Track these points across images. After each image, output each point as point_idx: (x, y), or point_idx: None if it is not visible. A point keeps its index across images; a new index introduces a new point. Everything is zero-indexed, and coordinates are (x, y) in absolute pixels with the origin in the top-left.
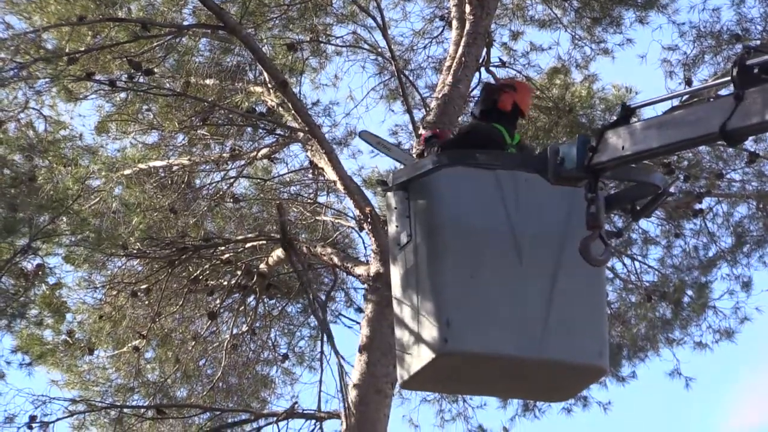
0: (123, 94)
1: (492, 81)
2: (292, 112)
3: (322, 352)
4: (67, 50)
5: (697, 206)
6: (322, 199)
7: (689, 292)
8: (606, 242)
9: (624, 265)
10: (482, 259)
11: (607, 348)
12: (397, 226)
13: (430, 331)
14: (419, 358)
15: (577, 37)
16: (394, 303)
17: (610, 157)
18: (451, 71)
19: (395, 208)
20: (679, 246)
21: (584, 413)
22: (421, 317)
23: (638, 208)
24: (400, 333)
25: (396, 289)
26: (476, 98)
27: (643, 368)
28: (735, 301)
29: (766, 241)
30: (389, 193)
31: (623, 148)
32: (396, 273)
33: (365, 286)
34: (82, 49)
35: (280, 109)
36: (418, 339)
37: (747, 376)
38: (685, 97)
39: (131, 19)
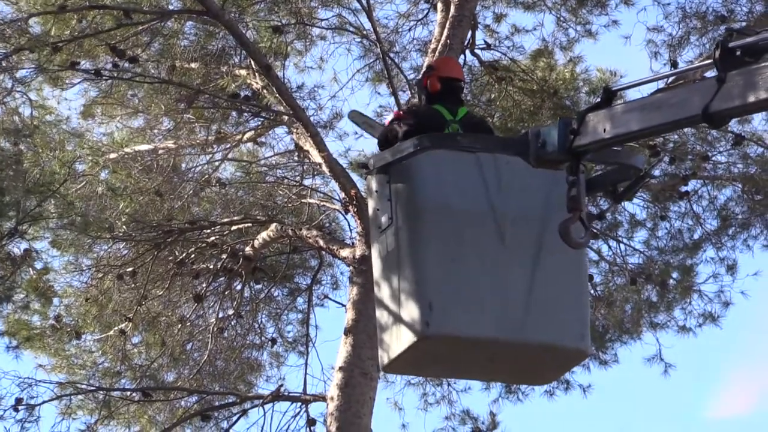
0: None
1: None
2: (277, 95)
3: (307, 335)
4: (52, 36)
5: (683, 189)
6: (307, 182)
7: (674, 275)
8: (586, 225)
9: (609, 247)
10: (464, 242)
11: (588, 330)
12: (377, 209)
13: (411, 314)
14: (400, 341)
15: (561, 18)
16: (375, 286)
17: (592, 139)
18: (436, 53)
19: (376, 191)
20: (664, 228)
21: (566, 396)
22: (403, 300)
23: (620, 190)
24: (381, 316)
25: (377, 272)
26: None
27: (626, 352)
28: (719, 285)
29: (750, 224)
30: (370, 176)
31: (605, 130)
32: (377, 256)
33: (351, 268)
34: (67, 34)
35: (265, 92)
36: (399, 322)
37: (732, 365)
38: (669, 80)
39: (114, 6)
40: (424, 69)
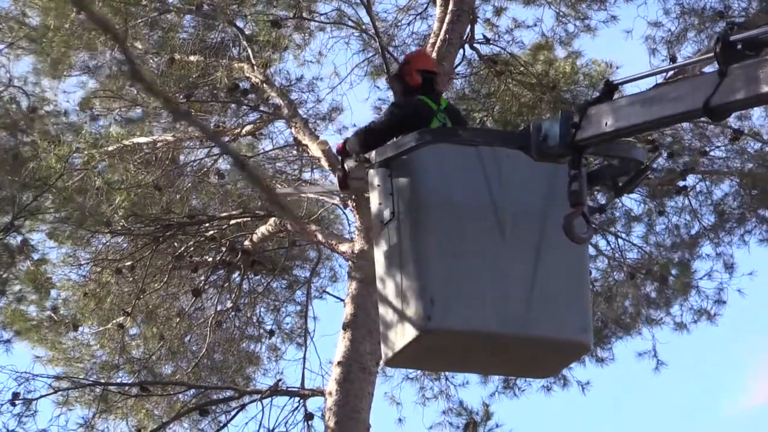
0: (107, 71)
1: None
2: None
3: (305, 329)
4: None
5: (681, 183)
6: (306, 176)
7: (673, 271)
8: (589, 220)
9: (608, 242)
10: (465, 237)
11: (590, 324)
12: (380, 204)
13: (413, 308)
14: (403, 335)
15: (561, 13)
16: (377, 281)
17: (593, 133)
18: (435, 48)
19: (378, 185)
20: (662, 223)
21: (564, 392)
22: (405, 295)
23: (620, 184)
24: (383, 311)
25: (379, 266)
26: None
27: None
28: (718, 281)
29: (747, 219)
30: (371, 171)
31: (606, 124)
32: (379, 250)
33: (349, 263)
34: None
35: (264, 85)
36: (402, 317)
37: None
38: (669, 74)
39: None
40: (400, 63)
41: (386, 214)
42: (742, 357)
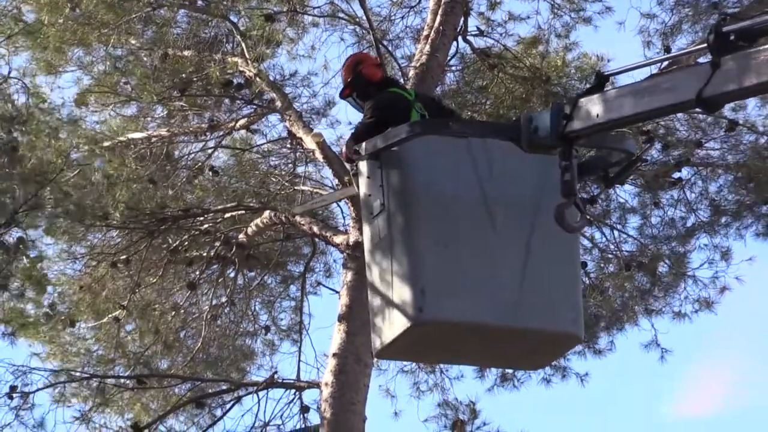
0: (101, 66)
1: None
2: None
3: (301, 322)
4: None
5: (676, 175)
6: (300, 169)
7: (667, 262)
8: (581, 209)
9: (603, 234)
10: (456, 228)
11: (581, 315)
12: (369, 195)
13: (404, 299)
14: (393, 327)
15: (556, 5)
16: (368, 272)
17: (585, 125)
18: (429, 40)
19: (368, 177)
20: (657, 215)
21: (563, 384)
22: (395, 286)
23: (611, 175)
24: (373, 302)
25: (369, 257)
26: (361, 96)
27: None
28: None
29: (743, 211)
30: (361, 162)
31: (597, 115)
32: (368, 241)
33: (344, 255)
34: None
35: (258, 79)
36: (392, 308)
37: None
38: (663, 64)
39: None
40: (350, 75)
41: (376, 205)
42: None
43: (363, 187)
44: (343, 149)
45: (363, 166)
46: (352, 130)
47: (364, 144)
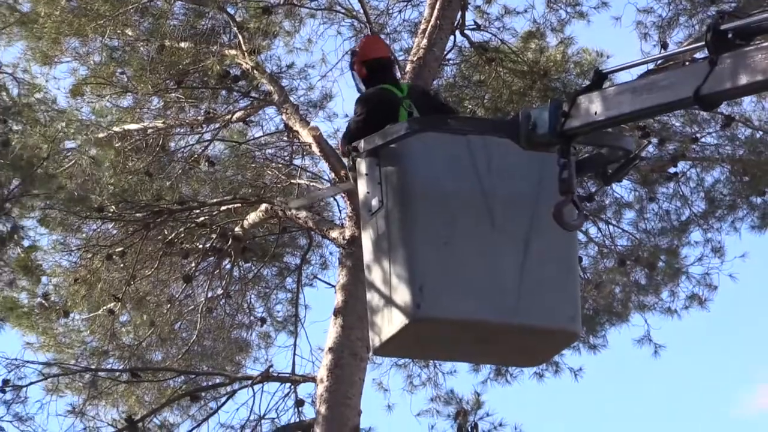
0: (97, 57)
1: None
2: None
3: (296, 315)
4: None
5: (672, 170)
6: (297, 162)
7: (662, 257)
8: (579, 207)
9: (599, 229)
10: (455, 225)
11: (579, 312)
12: (367, 192)
13: (402, 297)
14: (391, 324)
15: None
16: (365, 269)
17: (583, 122)
18: (426, 34)
19: (366, 174)
20: (652, 210)
21: (555, 379)
22: (393, 283)
23: (609, 172)
24: (371, 299)
25: (367, 255)
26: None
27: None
28: (706, 267)
29: (738, 206)
30: (359, 159)
31: (596, 113)
32: (367, 239)
33: (340, 249)
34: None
35: (255, 71)
36: (390, 305)
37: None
38: (659, 62)
39: None
40: (351, 64)
41: (374, 202)
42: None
43: (361, 184)
44: (340, 144)
45: (361, 163)
46: (346, 128)
47: (362, 141)
